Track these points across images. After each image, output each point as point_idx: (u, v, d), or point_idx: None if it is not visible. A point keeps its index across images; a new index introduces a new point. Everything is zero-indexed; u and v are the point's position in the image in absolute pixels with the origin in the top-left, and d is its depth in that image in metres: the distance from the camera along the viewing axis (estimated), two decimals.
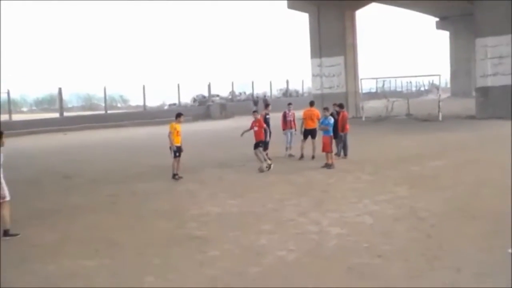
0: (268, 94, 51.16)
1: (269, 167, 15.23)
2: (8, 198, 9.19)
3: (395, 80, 57.60)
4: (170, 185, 13.79)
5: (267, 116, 17.35)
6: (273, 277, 6.92)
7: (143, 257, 7.95)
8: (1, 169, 9.12)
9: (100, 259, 7.91)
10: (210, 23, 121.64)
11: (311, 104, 18.20)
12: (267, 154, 16.39)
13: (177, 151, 14.59)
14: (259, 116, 16.36)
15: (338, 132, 16.50)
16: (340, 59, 34.69)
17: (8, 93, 35.42)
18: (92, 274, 7.29)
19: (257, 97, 45.01)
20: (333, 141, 15.97)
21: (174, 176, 14.48)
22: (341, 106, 17.61)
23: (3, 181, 9.15)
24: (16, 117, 35.93)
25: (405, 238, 8.36)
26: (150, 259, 7.80)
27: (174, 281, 6.89)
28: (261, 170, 15.04)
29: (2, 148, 9.29)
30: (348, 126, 17.07)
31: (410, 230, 8.72)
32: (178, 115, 15.04)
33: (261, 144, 15.71)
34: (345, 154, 17.09)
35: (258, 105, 31.28)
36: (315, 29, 35.60)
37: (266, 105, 18.54)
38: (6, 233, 9.14)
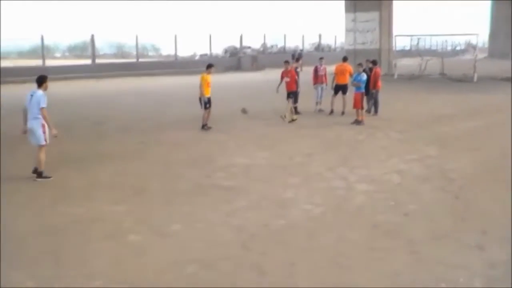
0: (300, 47, 50.55)
1: (292, 121, 15.37)
2: (48, 142, 9.52)
3: (430, 38, 56.23)
4: (199, 135, 13.87)
5: (297, 70, 17.26)
6: (298, 230, 6.98)
7: (170, 205, 8.07)
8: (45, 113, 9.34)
9: (128, 205, 8.06)
10: None
11: (344, 59, 17.96)
12: (296, 108, 16.38)
13: (207, 103, 14.42)
14: (289, 67, 16.48)
15: (369, 89, 16.31)
16: (375, 15, 33.92)
17: (42, 38, 35.57)
18: (120, 219, 7.44)
19: (301, 50, 44.38)
20: (364, 97, 15.79)
21: (204, 126, 14.46)
22: (374, 62, 17.33)
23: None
24: (49, 62, 36.19)
25: (432, 198, 8.32)
26: (178, 207, 7.92)
27: (201, 230, 7.00)
28: (282, 117, 15.47)
29: (45, 92, 9.52)
30: (380, 83, 16.83)
31: (438, 191, 8.67)
32: (209, 66, 14.78)
33: (292, 95, 15.91)
34: (376, 111, 16.92)
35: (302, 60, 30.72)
36: None
37: (297, 59, 18.37)
38: (40, 175, 9.40)
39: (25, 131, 9.68)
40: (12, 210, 7.86)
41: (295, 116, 15.71)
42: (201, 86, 14.42)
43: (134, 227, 7.10)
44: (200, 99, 14.50)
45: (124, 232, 6.93)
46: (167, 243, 6.58)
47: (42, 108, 9.32)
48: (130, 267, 5.89)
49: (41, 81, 9.61)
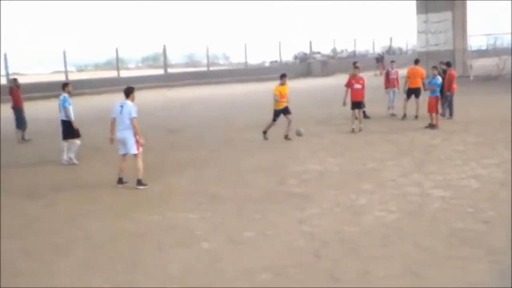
0: (382, 51, 49.86)
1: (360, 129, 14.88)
2: (141, 150, 9.88)
3: (508, 37, 54.21)
4: (270, 141, 13.89)
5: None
6: (372, 237, 6.85)
7: (243, 212, 8.11)
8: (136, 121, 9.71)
9: (201, 212, 8.16)
10: None
11: (416, 62, 17.61)
12: (364, 112, 16.07)
13: (279, 113, 13.83)
14: (358, 72, 15.46)
15: (444, 92, 15.86)
16: (447, 15, 33.01)
17: (117, 50, 36.82)
18: (193, 226, 7.54)
19: (382, 53, 43.82)
20: (439, 101, 15.37)
21: (286, 137, 13.91)
22: (448, 64, 16.88)
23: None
24: (123, 73, 37.37)
25: None
26: (250, 214, 7.95)
27: (273, 237, 6.99)
28: (354, 131, 14.74)
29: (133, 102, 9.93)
30: (455, 86, 16.36)
31: None
32: (282, 76, 14.10)
33: (362, 105, 15.17)
34: (451, 115, 16.44)
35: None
36: None
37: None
38: (139, 182, 9.71)
39: (112, 141, 9.99)
40: (92, 217, 8.14)
41: (361, 125, 14.98)
42: (275, 97, 13.86)
43: (207, 235, 7.17)
44: (283, 108, 13.88)
45: (198, 239, 7.01)
46: (240, 251, 6.60)
47: (134, 118, 9.62)
48: (203, 274, 5.95)
49: (129, 92, 9.98)
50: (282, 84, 13.89)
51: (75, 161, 12.24)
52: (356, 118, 14.92)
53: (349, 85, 15.24)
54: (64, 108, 12.25)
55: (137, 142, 9.72)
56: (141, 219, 7.96)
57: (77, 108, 12.65)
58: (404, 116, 16.64)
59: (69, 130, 12.22)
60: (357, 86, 15.00)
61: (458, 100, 16.86)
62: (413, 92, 16.70)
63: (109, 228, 7.63)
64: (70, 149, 12.28)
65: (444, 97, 16.02)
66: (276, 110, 13.90)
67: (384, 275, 5.72)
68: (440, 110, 15.66)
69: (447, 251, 6.29)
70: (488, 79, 29.52)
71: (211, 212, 8.16)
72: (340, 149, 12.53)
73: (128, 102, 9.80)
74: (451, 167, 10.33)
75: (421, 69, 17.08)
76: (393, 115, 17.26)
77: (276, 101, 13.84)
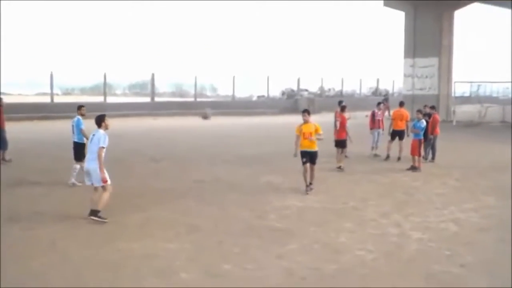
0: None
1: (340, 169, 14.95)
2: (109, 182, 9.33)
3: (491, 85, 55.16)
4: (253, 176, 13.92)
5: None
6: (350, 275, 6.87)
7: (222, 245, 8.10)
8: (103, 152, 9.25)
9: (181, 243, 8.13)
10: (302, 17, 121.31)
11: (401, 104, 17.88)
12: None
13: (305, 156, 11.86)
14: (338, 111, 15.87)
15: (428, 135, 16.09)
16: (434, 60, 33.71)
17: (105, 76, 36.90)
18: (172, 256, 7.50)
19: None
20: (422, 144, 15.57)
21: (308, 187, 11.91)
22: (432, 108, 17.19)
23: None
24: (110, 99, 37.38)
25: (492, 249, 8.05)
26: (229, 248, 7.94)
27: (251, 271, 6.98)
28: (338, 169, 14.84)
29: (106, 131, 9.47)
30: (438, 129, 16.62)
31: (498, 242, 8.39)
32: (305, 112, 12.13)
33: (341, 144, 15.37)
34: (433, 158, 16.64)
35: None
36: (410, 28, 34.71)
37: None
38: (93, 213, 9.20)
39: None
40: (71, 242, 8.07)
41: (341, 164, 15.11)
42: (297, 139, 11.94)
43: (186, 265, 7.14)
44: (302, 153, 11.94)
45: (176, 269, 6.98)
46: (218, 283, 6.58)
47: (100, 147, 9.12)
48: None
49: (99, 120, 9.47)
50: (305, 123, 12.02)
51: (77, 183, 12.15)
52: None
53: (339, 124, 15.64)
54: (80, 130, 12.38)
55: (103, 173, 9.17)
56: (121, 247, 7.91)
57: (63, 131, 12.58)
58: (388, 157, 16.84)
59: (81, 152, 12.10)
60: (337, 124, 15.53)
61: (440, 144, 17.09)
62: (397, 134, 16.94)
63: (88, 256, 7.56)
64: (75, 172, 12.24)
65: (427, 140, 16.24)
66: (301, 151, 11.99)
67: None
68: (422, 153, 15.86)
69: None
70: (470, 126, 29.97)
71: (190, 244, 8.13)
72: (322, 186, 12.58)
73: (100, 131, 9.33)
74: (431, 210, 10.42)
75: (406, 112, 17.34)
76: (376, 155, 17.43)
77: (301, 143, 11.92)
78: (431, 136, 16.41)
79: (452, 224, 9.37)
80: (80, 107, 13.00)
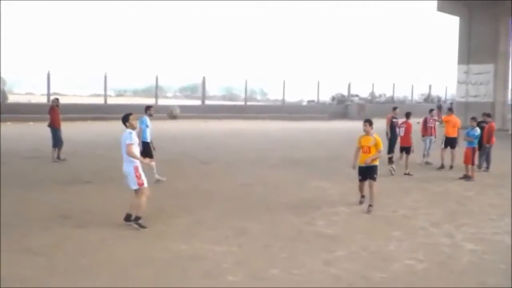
0: (409, 98, 49.83)
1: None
2: (145, 185, 9.03)
3: None
4: (302, 180, 13.84)
5: (394, 120, 17.04)
6: (398, 284, 6.73)
7: (270, 249, 8.06)
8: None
9: (228, 246, 8.14)
10: (355, 22, 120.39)
11: (450, 110, 17.60)
12: (390, 158, 16.27)
13: (362, 172, 10.87)
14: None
15: (482, 143, 15.67)
16: (489, 67, 32.83)
17: (156, 78, 37.49)
18: (220, 259, 7.51)
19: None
20: (476, 153, 15.17)
21: (369, 207, 10.64)
22: (488, 115, 16.73)
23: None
24: (161, 101, 37.91)
25: None
26: (277, 252, 7.90)
27: (298, 276, 6.93)
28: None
29: (133, 130, 9.09)
30: (494, 138, 16.16)
31: None
32: (365, 122, 11.04)
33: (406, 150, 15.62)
34: (487, 167, 16.18)
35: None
36: (465, 33, 33.94)
37: (394, 108, 18.07)
38: (129, 218, 9.06)
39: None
40: (119, 241, 8.19)
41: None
42: (357, 151, 11.03)
43: (233, 268, 7.14)
44: (360, 168, 10.96)
45: (223, 272, 6.98)
46: (264, 286, 6.54)
47: (128, 144, 8.76)
48: None
49: (125, 120, 9.12)
50: (367, 133, 10.92)
51: (161, 178, 12.73)
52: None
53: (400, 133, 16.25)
54: (143, 128, 12.56)
55: (137, 177, 8.84)
56: (168, 247, 7.97)
57: (116, 132, 12.76)
58: (442, 166, 16.37)
59: (146, 150, 12.35)
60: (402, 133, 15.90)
61: (494, 153, 16.61)
62: (450, 142, 16.52)
63: (135, 254, 7.66)
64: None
65: (482, 148, 15.81)
66: (359, 166, 10.98)
67: None
68: (476, 161, 15.44)
69: None
70: None
71: (238, 247, 8.13)
72: None
73: (127, 131, 8.95)
74: (485, 221, 10.12)
75: (456, 118, 16.98)
76: (428, 163, 17.08)
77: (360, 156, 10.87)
78: (487, 145, 15.98)
79: (508, 236, 9.05)
80: (148, 107, 13.24)
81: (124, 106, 34.69)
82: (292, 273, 7.01)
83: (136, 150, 9.04)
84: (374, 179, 10.68)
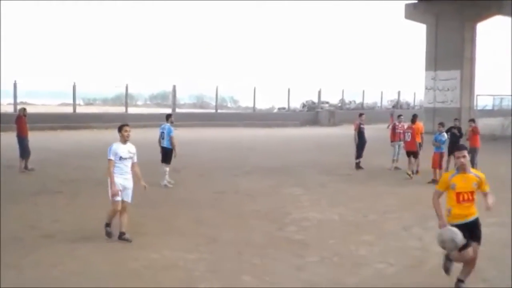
0: (379, 104, 50.40)
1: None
2: (111, 199, 8.71)
3: None
4: (274, 187, 13.88)
5: (361, 126, 17.28)
6: None
7: (241, 256, 8.07)
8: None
9: (200, 254, 8.11)
10: (323, 30, 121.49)
11: (413, 119, 16.77)
12: (358, 163, 16.47)
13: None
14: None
15: (472, 147, 16.09)
16: (456, 73, 33.41)
17: (126, 87, 37.18)
18: (191, 267, 7.49)
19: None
20: (444, 157, 15.39)
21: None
22: (473, 120, 17.24)
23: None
24: (131, 110, 37.65)
25: None
26: (249, 259, 7.90)
27: (270, 283, 6.94)
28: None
29: (118, 143, 8.77)
30: (478, 143, 16.63)
31: None
32: (463, 150, 6.76)
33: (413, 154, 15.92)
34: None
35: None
36: (432, 40, 34.47)
37: (360, 114, 18.28)
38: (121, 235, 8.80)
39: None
40: (90, 251, 8.10)
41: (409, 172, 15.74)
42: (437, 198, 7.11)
43: (205, 276, 7.12)
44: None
45: (195, 280, 6.96)
46: None
47: (108, 160, 8.67)
48: None
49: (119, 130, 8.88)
50: (462, 170, 6.70)
51: (172, 182, 13.84)
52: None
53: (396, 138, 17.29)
54: (169, 137, 13.94)
55: (110, 188, 8.65)
56: (140, 256, 7.91)
57: (85, 141, 12.67)
58: (412, 172, 16.30)
59: (169, 157, 13.90)
60: (408, 139, 16.21)
61: None
62: (410, 153, 16.25)
63: (107, 264, 7.58)
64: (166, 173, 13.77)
65: (471, 152, 16.12)
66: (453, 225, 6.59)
67: None
68: (444, 165, 15.63)
69: None
70: (491, 139, 29.58)
71: (210, 254, 8.11)
72: (343, 199, 12.51)
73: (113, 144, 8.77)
74: None
75: (420, 126, 16.96)
76: (397, 168, 17.26)
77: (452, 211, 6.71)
78: (477, 149, 16.41)
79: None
80: (169, 115, 14.72)
81: (94, 115, 34.55)
82: (264, 280, 7.02)
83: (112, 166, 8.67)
84: (479, 241, 6.74)
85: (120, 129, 8.82)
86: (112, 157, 8.63)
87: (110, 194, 8.68)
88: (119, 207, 8.69)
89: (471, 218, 6.63)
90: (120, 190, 8.65)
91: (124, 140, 8.77)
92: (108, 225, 8.88)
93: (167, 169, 13.89)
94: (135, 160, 8.92)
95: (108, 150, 8.70)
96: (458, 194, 6.54)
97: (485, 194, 6.69)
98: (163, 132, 14.12)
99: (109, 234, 8.79)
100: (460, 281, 6.60)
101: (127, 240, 8.62)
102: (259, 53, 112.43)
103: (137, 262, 7.65)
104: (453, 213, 6.61)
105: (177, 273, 7.25)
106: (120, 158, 8.68)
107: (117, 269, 7.35)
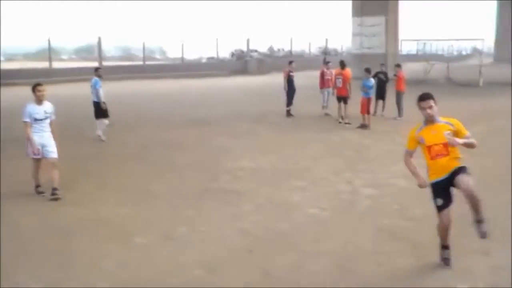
0: (307, 51, 50.74)
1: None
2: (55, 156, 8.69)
3: (436, 43, 56.13)
4: (204, 138, 13.87)
5: (291, 74, 17.42)
6: (303, 233, 6.99)
7: (176, 208, 8.09)
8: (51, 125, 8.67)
9: (134, 207, 8.08)
10: None
11: (342, 65, 16.72)
12: (288, 111, 16.55)
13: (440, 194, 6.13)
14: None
15: (397, 91, 16.93)
16: (381, 19, 33.89)
17: (49, 41, 35.75)
18: (126, 221, 7.46)
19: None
20: (372, 102, 15.82)
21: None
22: (399, 66, 17.71)
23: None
24: (55, 64, 36.33)
25: None
26: (183, 210, 7.94)
27: (206, 233, 7.02)
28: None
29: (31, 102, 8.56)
30: (403, 86, 17.16)
31: None
32: (424, 99, 6.07)
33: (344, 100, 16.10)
34: (399, 115, 16.74)
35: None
36: None
37: (290, 62, 18.37)
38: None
39: None
40: (20, 212, 7.91)
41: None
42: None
43: (139, 230, 7.12)
44: (435, 186, 6.23)
45: (130, 234, 6.95)
46: (173, 246, 6.59)
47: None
48: (137, 269, 5.91)
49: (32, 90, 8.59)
50: (430, 121, 6.08)
51: (103, 137, 13.46)
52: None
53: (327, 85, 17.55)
54: (96, 90, 13.54)
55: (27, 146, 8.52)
56: (72, 213, 7.80)
57: (8, 99, 12.18)
58: (342, 118, 16.57)
59: (99, 111, 13.51)
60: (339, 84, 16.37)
61: (388, 102, 17.35)
62: (341, 99, 16.61)
63: (38, 224, 7.43)
64: (99, 127, 13.57)
65: (396, 96, 16.66)
66: (431, 184, 6.16)
67: (316, 270, 5.85)
68: (372, 111, 16.05)
69: (375, 246, 6.51)
70: (416, 83, 30.47)
71: (144, 208, 8.09)
72: (273, 146, 12.67)
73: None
74: (381, 166, 10.64)
75: (348, 72, 16.80)
76: (327, 114, 17.57)
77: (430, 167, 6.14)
78: (401, 92, 16.88)
79: (402, 179, 9.53)
80: (97, 69, 14.63)
81: (16, 71, 33.05)
82: (200, 231, 7.09)
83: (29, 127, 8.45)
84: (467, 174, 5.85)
85: (33, 89, 8.55)
86: (27, 119, 8.42)
87: (29, 153, 8.55)
88: (40, 164, 8.64)
89: (453, 170, 5.85)
90: (39, 149, 8.47)
91: (39, 100, 8.51)
92: (38, 186, 8.75)
93: (106, 121, 13.71)
94: (53, 118, 8.72)
95: (22, 112, 8.46)
96: (429, 147, 5.94)
97: (467, 137, 5.87)
98: (91, 86, 13.84)
99: (41, 193, 8.66)
100: (479, 221, 5.74)
101: (58, 197, 8.47)
102: (186, 2, 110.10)
103: (71, 219, 7.54)
104: (431, 170, 6.02)
105: (112, 227, 7.21)
106: (35, 119, 8.44)
107: (50, 228, 7.22)
